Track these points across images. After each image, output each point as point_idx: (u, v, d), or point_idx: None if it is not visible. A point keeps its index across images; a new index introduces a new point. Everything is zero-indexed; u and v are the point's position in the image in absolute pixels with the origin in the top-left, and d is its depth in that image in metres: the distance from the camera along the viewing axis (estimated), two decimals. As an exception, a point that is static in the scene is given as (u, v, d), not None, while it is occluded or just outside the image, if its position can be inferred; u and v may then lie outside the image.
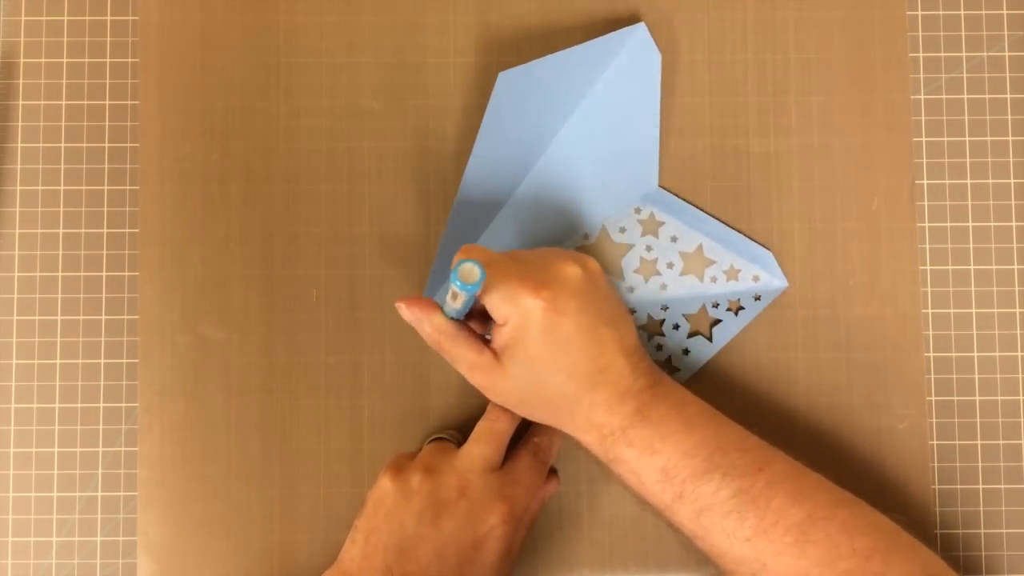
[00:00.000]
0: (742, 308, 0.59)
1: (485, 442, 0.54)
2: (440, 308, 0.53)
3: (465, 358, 0.52)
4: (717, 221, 0.60)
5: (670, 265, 0.59)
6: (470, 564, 0.51)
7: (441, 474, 0.53)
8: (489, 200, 0.58)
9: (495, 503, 0.52)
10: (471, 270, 0.47)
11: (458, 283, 0.47)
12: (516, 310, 0.50)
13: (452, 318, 0.52)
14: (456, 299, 0.50)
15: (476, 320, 0.55)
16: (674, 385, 0.54)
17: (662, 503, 0.52)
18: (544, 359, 0.51)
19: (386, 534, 0.52)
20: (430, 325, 0.52)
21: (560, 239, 0.59)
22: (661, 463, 0.51)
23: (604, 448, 0.52)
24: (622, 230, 0.59)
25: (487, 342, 0.53)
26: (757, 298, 0.59)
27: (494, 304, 0.51)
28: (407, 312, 0.53)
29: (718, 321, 0.59)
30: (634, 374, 0.52)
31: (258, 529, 0.59)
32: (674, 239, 0.59)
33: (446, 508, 0.52)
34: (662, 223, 0.59)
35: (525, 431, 0.57)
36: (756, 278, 0.59)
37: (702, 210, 0.60)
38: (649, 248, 0.59)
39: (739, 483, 0.50)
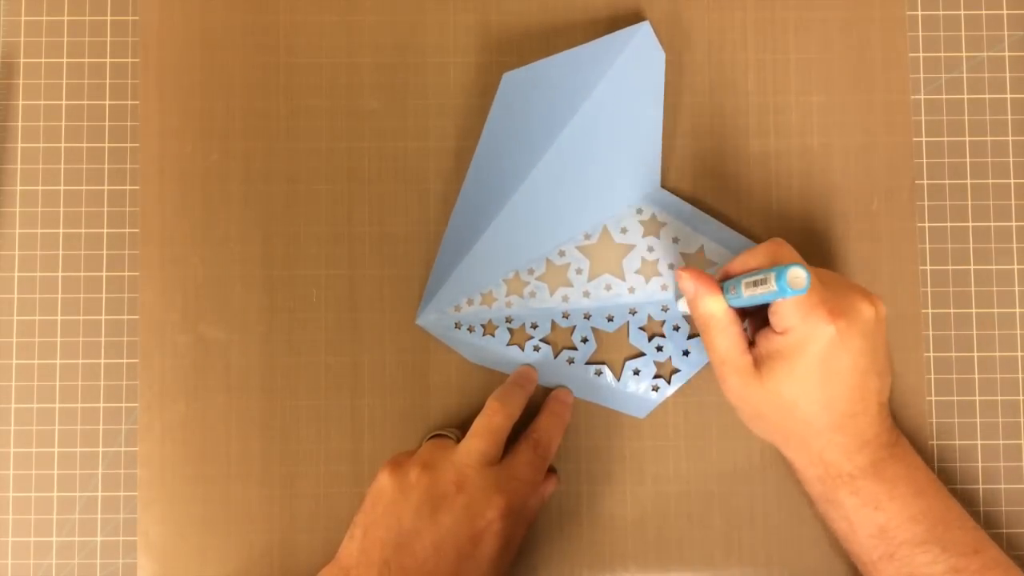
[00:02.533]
0: (742, 308, 0.59)
1: (482, 437, 0.54)
2: (721, 290, 0.52)
3: (725, 352, 0.52)
4: (718, 222, 0.59)
5: (671, 266, 0.59)
6: (468, 559, 0.51)
7: (439, 469, 0.53)
8: (492, 199, 0.58)
9: (493, 497, 0.52)
10: (800, 276, 0.47)
11: (784, 284, 0.46)
12: (805, 327, 0.49)
13: (729, 304, 0.52)
14: (755, 292, 0.49)
15: (748, 318, 0.55)
16: (909, 449, 0.54)
17: (867, 557, 0.52)
18: (808, 384, 0.50)
19: (384, 529, 0.52)
20: (705, 306, 0.52)
21: (562, 239, 0.59)
22: (882, 520, 0.51)
23: (824, 487, 0.53)
24: (623, 230, 0.59)
25: (748, 340, 0.52)
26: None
27: (786, 311, 0.50)
28: (688, 281, 0.52)
29: (718, 321, 0.59)
30: (880, 427, 0.52)
31: (258, 529, 0.59)
32: (675, 240, 0.59)
33: (444, 502, 0.52)
34: (664, 224, 0.59)
35: (525, 427, 0.57)
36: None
37: (703, 211, 0.60)
38: (650, 249, 0.59)
39: (955, 561, 0.50)
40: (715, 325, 0.52)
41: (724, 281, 0.53)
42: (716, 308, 0.52)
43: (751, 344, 0.52)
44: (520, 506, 0.54)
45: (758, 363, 0.51)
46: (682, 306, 0.57)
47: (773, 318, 0.51)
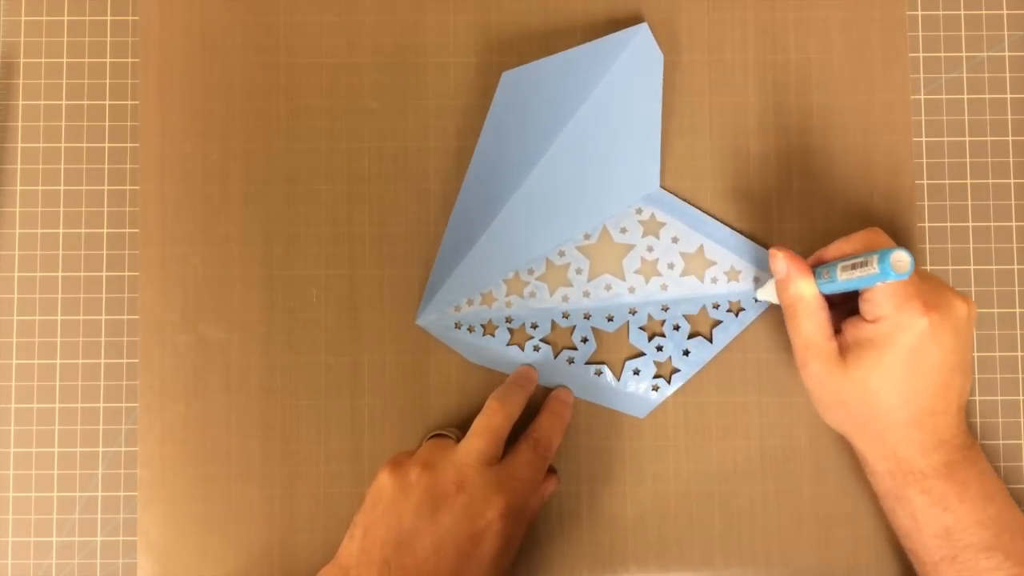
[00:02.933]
0: (743, 309, 0.59)
1: (482, 437, 0.54)
2: (812, 273, 0.52)
3: (811, 337, 0.52)
4: (718, 222, 0.59)
5: (671, 266, 0.59)
6: (468, 558, 0.51)
7: (439, 469, 0.53)
8: (491, 199, 0.58)
9: (493, 497, 0.52)
10: (904, 259, 0.46)
11: (887, 267, 0.46)
12: (898, 316, 0.49)
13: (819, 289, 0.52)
14: (853, 275, 0.49)
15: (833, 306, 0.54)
16: (982, 454, 0.54)
17: (929, 557, 0.52)
18: (894, 376, 0.50)
19: (384, 528, 0.52)
20: (796, 289, 0.52)
21: (561, 239, 0.59)
22: (949, 522, 0.51)
23: (894, 482, 0.53)
24: (623, 230, 0.59)
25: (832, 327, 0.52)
26: (757, 299, 0.59)
27: (880, 299, 0.50)
28: (781, 262, 0.53)
29: (719, 322, 0.59)
30: (958, 428, 0.52)
31: (258, 529, 0.59)
32: (675, 240, 0.59)
33: (444, 502, 0.51)
34: (663, 224, 0.59)
35: (525, 427, 0.57)
36: (756, 279, 0.59)
37: (703, 211, 0.60)
38: (650, 248, 0.59)
39: (1018, 570, 0.50)
40: (803, 308, 0.52)
41: (816, 267, 0.53)
42: (807, 290, 0.52)
43: (836, 332, 0.52)
44: (520, 506, 0.53)
45: (843, 350, 0.52)
46: (763, 293, 0.57)
47: (865, 306, 0.51)
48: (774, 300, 0.56)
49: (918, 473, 0.52)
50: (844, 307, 0.53)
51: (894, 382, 0.50)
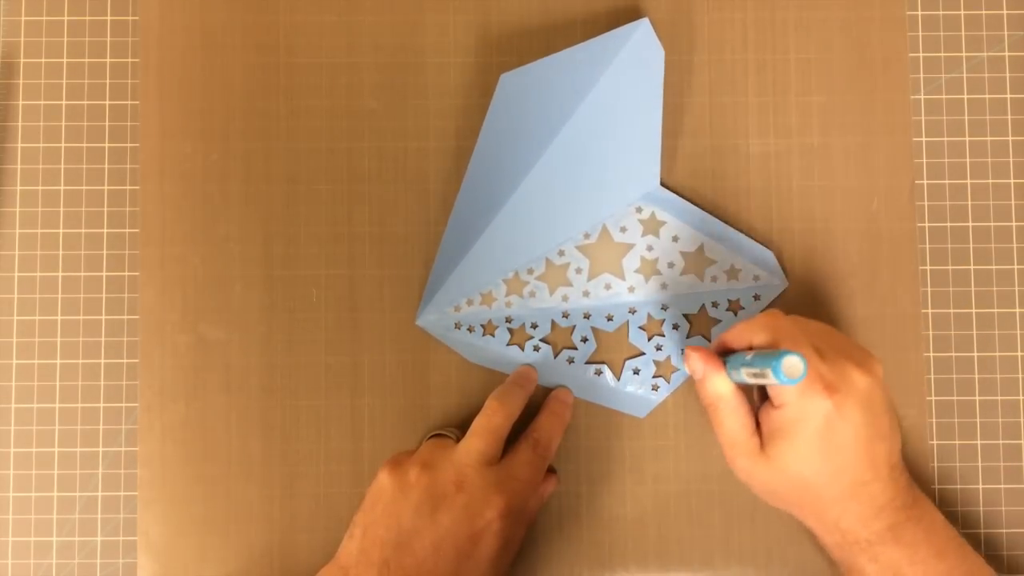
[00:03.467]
0: (742, 308, 0.59)
1: (482, 437, 0.54)
2: (725, 368, 0.51)
3: (734, 435, 0.52)
4: (718, 221, 0.59)
5: (671, 265, 0.59)
6: (467, 558, 0.51)
7: (439, 469, 0.53)
8: (491, 199, 0.58)
9: (492, 497, 0.52)
10: (797, 366, 0.46)
11: (781, 376, 0.46)
12: (800, 403, 0.49)
13: (732, 381, 0.51)
14: (756, 379, 0.48)
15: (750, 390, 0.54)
16: (928, 507, 0.53)
17: None
18: (812, 460, 0.50)
19: (383, 528, 0.52)
20: (714, 388, 0.52)
21: (561, 238, 0.59)
22: None
23: (843, 554, 0.52)
24: (623, 229, 0.59)
25: (755, 419, 0.52)
26: (757, 298, 0.59)
27: (781, 388, 0.49)
28: (696, 362, 0.52)
29: (718, 321, 0.59)
30: (894, 490, 0.51)
31: (258, 529, 0.59)
32: (675, 239, 0.59)
33: (443, 502, 0.52)
34: (663, 223, 0.59)
35: (525, 427, 0.57)
36: (756, 278, 0.59)
37: (703, 210, 0.60)
38: (650, 248, 0.59)
39: None
40: (723, 407, 0.52)
41: (726, 356, 0.52)
42: (724, 389, 0.51)
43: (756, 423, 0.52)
44: (520, 506, 0.54)
45: (763, 441, 0.51)
46: (735, 375, 0.56)
47: (771, 391, 0.50)
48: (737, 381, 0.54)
49: (864, 542, 0.51)
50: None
51: (814, 464, 0.50)
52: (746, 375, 0.49)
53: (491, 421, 0.54)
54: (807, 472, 0.50)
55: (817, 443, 0.49)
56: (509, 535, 0.53)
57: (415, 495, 0.52)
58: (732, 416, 0.52)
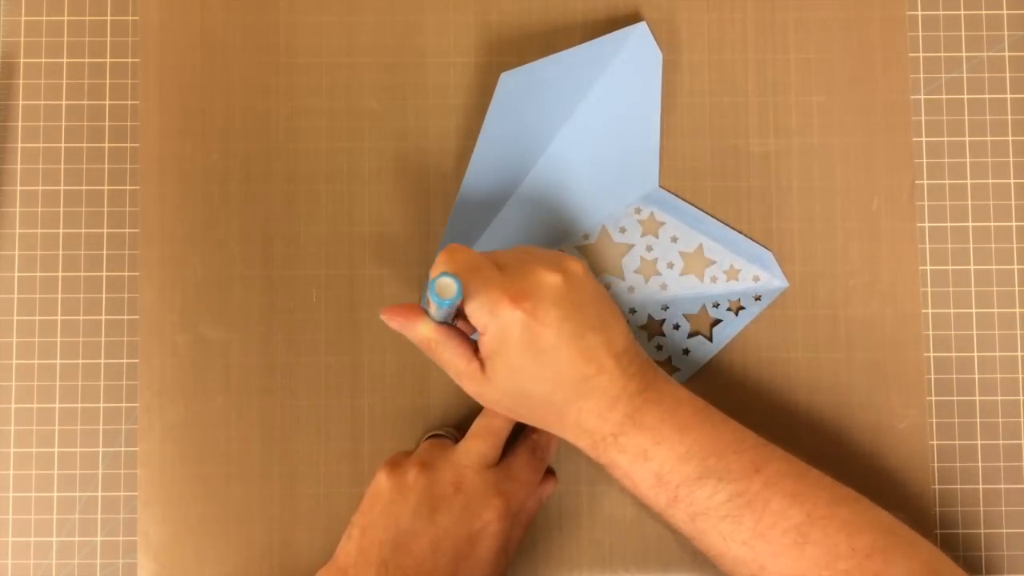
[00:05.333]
0: (742, 308, 0.59)
1: (482, 438, 0.54)
2: (426, 313, 0.52)
3: (454, 365, 0.52)
4: (717, 221, 0.60)
5: (670, 265, 0.59)
6: (465, 559, 0.51)
7: (437, 470, 0.53)
8: (490, 200, 0.58)
9: (491, 498, 0.52)
10: (448, 285, 0.46)
11: (435, 297, 0.46)
12: (496, 321, 0.49)
13: (439, 322, 0.51)
14: (436, 310, 0.49)
15: (464, 321, 0.54)
16: (668, 385, 0.52)
17: (657, 507, 0.51)
18: (527, 370, 0.50)
19: (382, 529, 0.52)
20: (416, 333, 0.52)
21: (560, 239, 0.59)
22: (655, 468, 0.50)
23: (597, 453, 0.52)
24: (622, 230, 0.59)
25: (475, 346, 0.52)
26: (757, 298, 0.59)
27: (474, 314, 0.49)
28: (391, 321, 0.52)
29: (718, 321, 0.59)
30: (624, 378, 0.51)
31: (258, 529, 0.59)
32: (674, 239, 0.59)
33: (442, 503, 0.52)
34: (662, 223, 0.59)
35: (524, 428, 0.57)
36: (756, 278, 0.59)
37: (702, 210, 0.60)
38: (649, 248, 0.59)
39: (735, 487, 0.49)
40: (434, 346, 0.52)
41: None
42: (424, 330, 0.51)
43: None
44: (518, 508, 0.54)
45: (483, 365, 0.51)
46: (434, 315, 0.55)
47: (471, 322, 0.50)
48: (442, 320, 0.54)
49: (609, 436, 0.51)
50: None
51: (530, 375, 0.50)
52: (430, 309, 0.50)
53: (491, 423, 0.54)
54: (528, 383, 0.50)
55: (524, 354, 0.49)
56: (508, 536, 0.53)
57: (414, 496, 0.52)
58: (444, 348, 0.51)
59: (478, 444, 0.54)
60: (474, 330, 0.53)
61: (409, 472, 0.53)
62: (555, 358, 0.49)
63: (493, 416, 0.54)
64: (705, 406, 0.52)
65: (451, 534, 0.51)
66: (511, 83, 0.57)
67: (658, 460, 0.50)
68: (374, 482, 0.54)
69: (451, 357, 0.52)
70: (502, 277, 0.49)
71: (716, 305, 0.59)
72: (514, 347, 0.49)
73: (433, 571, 0.51)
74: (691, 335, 0.59)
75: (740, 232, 0.60)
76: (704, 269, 0.59)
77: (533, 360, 0.49)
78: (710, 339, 0.59)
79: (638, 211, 0.60)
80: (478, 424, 0.54)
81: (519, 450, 0.55)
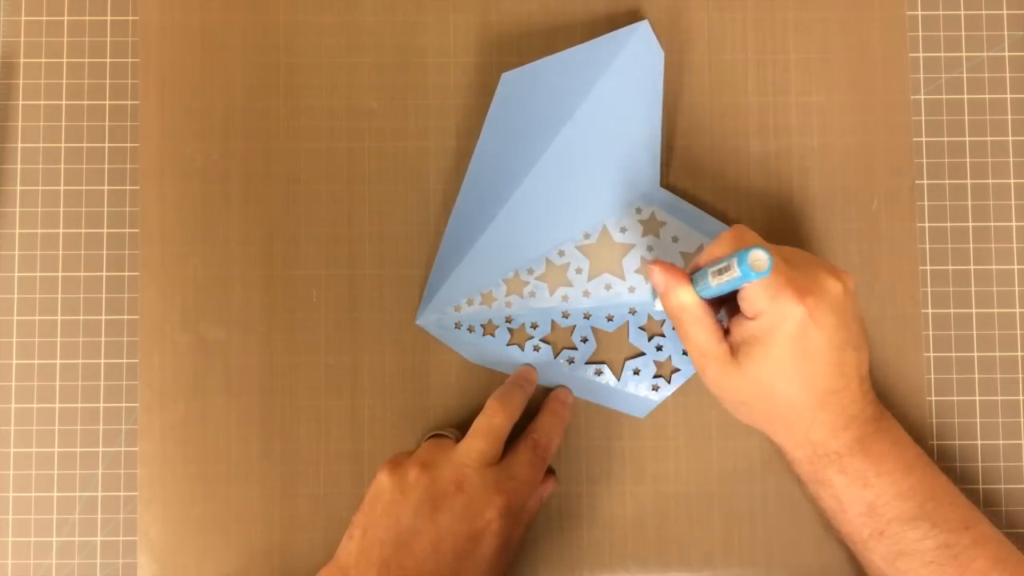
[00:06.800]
0: (742, 308, 0.59)
1: (482, 437, 0.54)
2: (690, 281, 0.51)
3: (702, 343, 0.52)
4: (718, 222, 0.59)
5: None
6: (467, 558, 0.51)
7: (438, 469, 0.53)
8: (491, 199, 0.58)
9: (492, 497, 0.52)
10: (762, 258, 0.46)
11: (746, 268, 0.46)
12: (775, 309, 0.49)
13: (700, 296, 0.51)
14: (722, 279, 0.48)
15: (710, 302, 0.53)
16: (895, 423, 0.53)
17: (858, 536, 0.52)
18: (785, 366, 0.50)
19: (383, 528, 0.52)
20: (677, 298, 0.51)
21: (561, 238, 0.59)
22: (871, 497, 0.51)
23: (812, 467, 0.52)
24: (623, 230, 0.59)
25: (723, 329, 0.52)
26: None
27: (754, 296, 0.49)
28: (659, 275, 0.52)
29: (719, 322, 0.59)
30: (864, 402, 0.52)
31: (258, 529, 0.59)
32: (675, 239, 0.59)
33: (443, 502, 0.52)
34: (663, 223, 0.59)
35: (524, 427, 0.57)
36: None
37: (703, 211, 0.60)
38: (650, 248, 0.59)
39: (946, 537, 0.50)
40: (687, 317, 0.51)
41: (694, 273, 0.52)
42: (688, 299, 0.51)
43: (726, 333, 0.52)
44: (519, 506, 0.54)
45: (734, 350, 0.51)
46: (659, 304, 0.56)
47: (743, 304, 0.50)
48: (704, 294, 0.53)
49: (833, 454, 0.51)
50: (734, 303, 0.52)
51: (786, 372, 0.50)
52: (712, 278, 0.49)
53: (491, 422, 0.54)
54: (780, 380, 0.50)
55: (791, 349, 0.49)
56: (508, 535, 0.53)
57: (415, 495, 0.52)
58: (697, 325, 0.51)
59: (479, 443, 0.54)
60: (715, 315, 0.53)
61: (410, 472, 0.53)
62: (816, 362, 0.50)
63: (493, 415, 0.54)
64: (925, 454, 0.53)
65: (453, 533, 0.51)
66: (512, 83, 0.57)
67: (876, 490, 0.51)
68: (375, 482, 0.54)
69: (703, 334, 0.51)
70: (787, 267, 0.50)
71: (717, 306, 0.59)
72: (783, 340, 0.49)
73: (435, 570, 0.51)
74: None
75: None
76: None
77: (796, 358, 0.50)
78: (711, 340, 0.59)
79: (639, 211, 0.60)
80: (478, 423, 0.54)
81: (520, 449, 0.55)
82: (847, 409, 0.51)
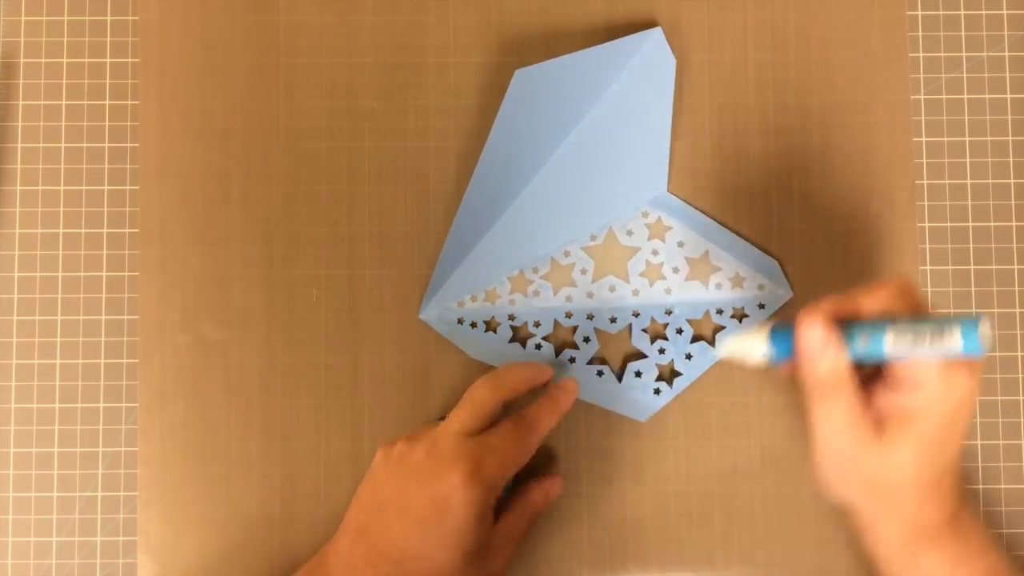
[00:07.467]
0: (745, 316, 0.59)
1: (464, 408, 0.53)
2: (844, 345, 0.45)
3: (842, 416, 0.45)
4: (723, 228, 0.59)
5: (675, 270, 0.59)
6: (434, 527, 0.50)
7: (419, 440, 0.53)
8: (498, 196, 0.58)
9: (456, 461, 0.51)
10: (987, 334, 0.40)
11: (974, 341, 0.40)
12: (943, 383, 0.44)
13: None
14: (919, 346, 0.42)
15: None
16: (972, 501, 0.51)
17: None
18: (934, 445, 0.45)
19: (365, 497, 0.53)
20: (832, 366, 0.45)
21: (567, 239, 0.59)
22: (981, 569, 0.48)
23: (908, 547, 0.48)
24: (629, 233, 0.59)
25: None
26: (761, 306, 0.59)
27: (925, 366, 0.44)
28: (815, 335, 0.45)
29: (721, 327, 0.59)
30: (959, 479, 0.48)
31: (258, 529, 0.59)
32: (680, 244, 0.59)
33: (413, 467, 0.52)
34: (669, 228, 0.59)
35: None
36: (761, 287, 0.59)
37: (705, 213, 0.60)
38: (655, 252, 0.59)
39: None
40: (835, 385, 0.45)
41: (846, 324, 0.45)
42: (841, 368, 0.45)
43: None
44: (490, 476, 0.51)
45: (882, 426, 0.45)
46: (730, 348, 0.48)
47: (903, 372, 0.45)
48: (747, 358, 0.48)
49: (933, 532, 0.47)
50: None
51: (930, 451, 0.45)
52: (895, 341, 0.43)
53: (474, 393, 0.54)
54: (924, 459, 0.45)
55: (948, 428, 0.45)
56: (482, 507, 0.51)
57: (392, 464, 0.53)
58: (844, 400, 0.45)
59: (460, 412, 0.53)
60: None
61: (397, 445, 0.53)
62: (958, 441, 0.46)
63: (478, 386, 0.54)
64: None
65: (416, 497, 0.51)
66: (525, 80, 0.57)
67: (967, 570, 0.48)
68: (372, 461, 0.55)
69: (844, 411, 0.45)
70: None
71: (720, 312, 0.59)
72: (943, 418, 0.45)
73: (402, 537, 0.51)
74: (694, 340, 0.59)
75: (745, 238, 0.59)
76: (709, 275, 0.59)
77: (945, 437, 0.45)
78: (713, 344, 0.59)
79: (646, 215, 0.60)
80: (464, 396, 0.54)
81: (502, 422, 0.54)
82: (954, 487, 0.48)
